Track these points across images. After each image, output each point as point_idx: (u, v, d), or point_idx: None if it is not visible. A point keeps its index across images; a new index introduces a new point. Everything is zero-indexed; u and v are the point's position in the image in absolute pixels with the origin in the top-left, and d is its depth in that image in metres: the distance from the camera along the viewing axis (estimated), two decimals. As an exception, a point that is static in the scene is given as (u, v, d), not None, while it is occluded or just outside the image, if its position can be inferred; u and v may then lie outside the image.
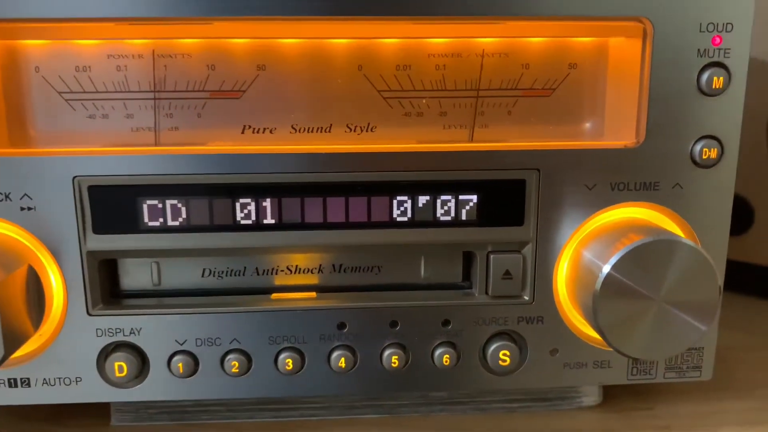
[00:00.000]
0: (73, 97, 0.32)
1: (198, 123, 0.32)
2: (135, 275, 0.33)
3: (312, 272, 0.33)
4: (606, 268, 0.29)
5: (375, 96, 0.33)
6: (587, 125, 0.33)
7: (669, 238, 0.29)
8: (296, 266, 0.33)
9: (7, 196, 0.30)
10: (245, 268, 0.33)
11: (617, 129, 0.33)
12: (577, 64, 0.33)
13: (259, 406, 0.35)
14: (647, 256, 0.29)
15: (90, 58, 0.32)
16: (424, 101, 0.33)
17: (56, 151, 0.30)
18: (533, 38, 0.32)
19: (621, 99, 0.32)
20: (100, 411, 0.35)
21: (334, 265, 0.33)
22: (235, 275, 0.33)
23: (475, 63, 0.33)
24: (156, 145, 0.32)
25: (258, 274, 0.33)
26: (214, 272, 0.33)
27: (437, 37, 0.32)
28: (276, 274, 0.33)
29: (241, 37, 0.32)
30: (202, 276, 0.33)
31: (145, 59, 0.32)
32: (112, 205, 0.30)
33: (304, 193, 0.31)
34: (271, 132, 0.32)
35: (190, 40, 0.31)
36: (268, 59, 0.32)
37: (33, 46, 0.31)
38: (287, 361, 0.32)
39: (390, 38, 0.32)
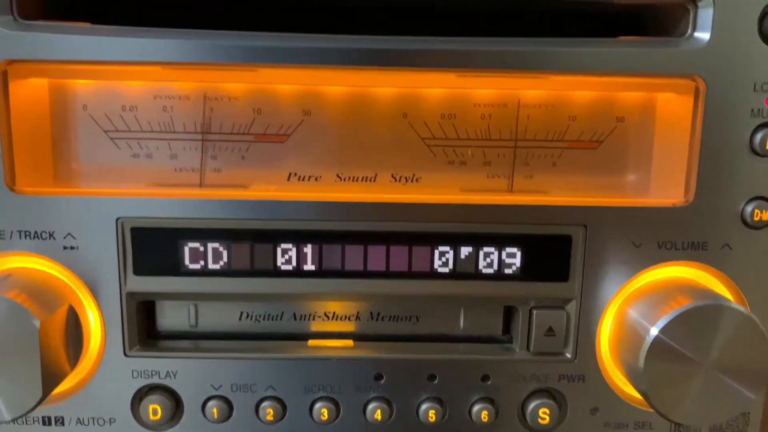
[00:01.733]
0: (118, 136, 0.32)
1: (242, 165, 0.32)
2: (172, 316, 0.32)
3: (349, 319, 0.33)
4: (654, 331, 0.28)
5: (419, 143, 0.32)
6: (633, 178, 0.33)
7: (719, 303, 0.28)
8: (333, 313, 0.33)
9: (51, 235, 0.30)
10: (283, 312, 0.33)
11: (664, 183, 0.32)
12: (625, 118, 0.33)
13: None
14: (696, 320, 0.28)
15: (137, 99, 0.32)
16: (468, 151, 0.32)
17: (101, 191, 0.30)
18: (580, 91, 0.32)
19: (669, 154, 0.32)
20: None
21: (371, 313, 0.33)
22: (272, 319, 0.33)
23: (521, 114, 0.32)
24: (200, 185, 0.32)
25: (295, 319, 0.33)
26: (252, 316, 0.33)
27: (482, 88, 0.32)
28: (313, 319, 0.33)
29: (287, 83, 0.31)
30: (240, 319, 0.33)
31: (192, 101, 0.32)
32: (153, 247, 0.30)
33: (345, 241, 0.31)
34: (316, 180, 0.32)
35: (237, 84, 0.31)
36: (313, 105, 0.32)
37: (81, 85, 0.31)
38: (322, 411, 0.31)
39: (435, 88, 0.32)
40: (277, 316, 0.33)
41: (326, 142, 0.32)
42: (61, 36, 0.29)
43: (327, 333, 0.33)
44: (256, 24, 0.32)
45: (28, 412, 0.27)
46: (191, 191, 0.31)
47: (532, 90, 0.32)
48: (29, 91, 0.30)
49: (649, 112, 0.32)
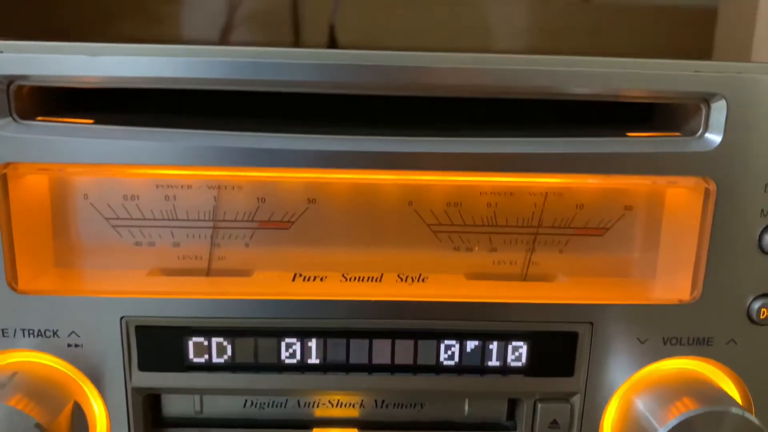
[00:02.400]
0: (120, 224, 0.32)
1: (245, 252, 0.32)
2: (177, 404, 0.32)
3: (354, 406, 0.33)
4: (661, 432, 0.28)
5: (424, 229, 0.32)
6: (640, 266, 0.33)
7: (726, 410, 0.28)
8: (338, 400, 0.33)
9: (54, 333, 0.30)
10: (287, 400, 0.33)
11: (671, 271, 0.32)
12: (633, 206, 0.32)
13: None
14: (704, 422, 0.28)
15: (138, 188, 0.31)
16: (474, 237, 0.32)
17: (104, 291, 0.30)
18: (588, 181, 0.32)
19: (676, 244, 0.31)
20: None
21: (376, 401, 0.33)
22: (276, 407, 0.33)
23: (528, 202, 0.32)
24: (201, 272, 0.32)
25: (299, 407, 0.33)
26: (256, 404, 0.33)
27: (488, 178, 0.31)
28: (317, 407, 0.33)
29: (292, 175, 0.31)
30: (244, 406, 0.33)
31: (194, 190, 0.31)
32: (158, 344, 0.30)
33: (349, 336, 0.30)
34: (321, 280, 0.32)
35: (242, 174, 0.31)
36: (318, 193, 0.32)
37: (81, 177, 0.31)
38: (330, 502, 0.32)
39: (441, 179, 0.31)
40: (281, 403, 0.33)
41: (331, 230, 0.32)
42: (61, 138, 0.28)
43: (331, 420, 0.33)
44: (261, 108, 0.31)
45: None
46: (195, 291, 0.31)
47: (540, 179, 0.31)
48: (29, 186, 0.30)
49: (657, 203, 0.32)
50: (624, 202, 0.32)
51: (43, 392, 0.29)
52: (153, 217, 0.32)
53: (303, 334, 0.30)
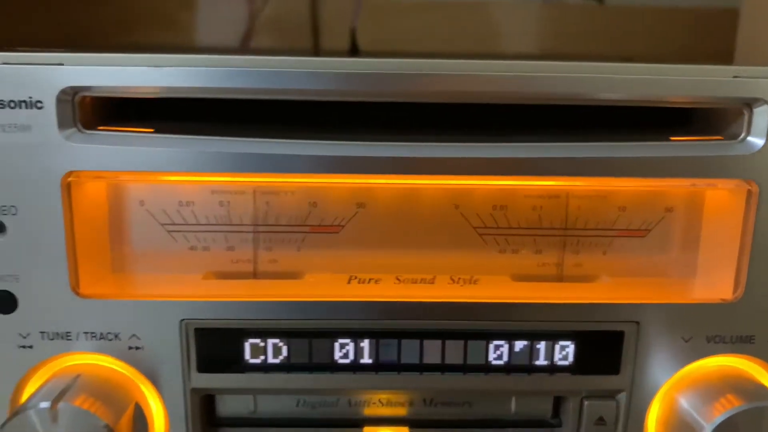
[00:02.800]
0: (175, 229, 0.33)
1: (296, 256, 0.33)
2: (231, 404, 0.33)
3: (403, 405, 0.34)
4: (709, 429, 0.29)
5: (471, 232, 0.33)
6: (680, 266, 0.33)
7: (765, 405, 0.29)
8: (388, 399, 0.34)
9: (116, 336, 0.31)
10: (338, 400, 0.34)
11: (711, 270, 0.33)
12: (673, 208, 0.33)
13: None
14: (748, 418, 0.29)
15: (194, 194, 0.32)
16: (519, 240, 0.33)
17: (164, 295, 0.31)
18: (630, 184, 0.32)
19: (716, 246, 0.32)
20: None
21: (425, 400, 0.34)
22: (328, 406, 0.34)
23: (572, 204, 0.33)
24: (254, 275, 0.33)
25: (350, 406, 0.34)
26: (308, 403, 0.34)
27: (533, 182, 0.32)
28: (368, 406, 0.34)
29: (341, 181, 0.32)
30: (296, 406, 0.34)
31: (248, 196, 0.32)
32: (216, 346, 0.31)
33: (401, 337, 0.31)
34: (376, 282, 0.32)
35: (293, 180, 0.32)
36: (367, 198, 0.32)
37: (138, 184, 0.32)
38: (380, 498, 0.32)
39: (486, 183, 0.32)
40: (332, 403, 0.34)
41: (380, 234, 0.33)
42: (123, 147, 0.29)
43: (382, 419, 0.34)
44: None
45: None
46: (251, 294, 0.32)
47: (582, 184, 0.32)
48: (89, 194, 0.31)
49: (697, 205, 0.33)
50: (665, 204, 0.33)
51: (106, 394, 0.30)
52: (207, 222, 0.33)
53: (356, 335, 0.31)
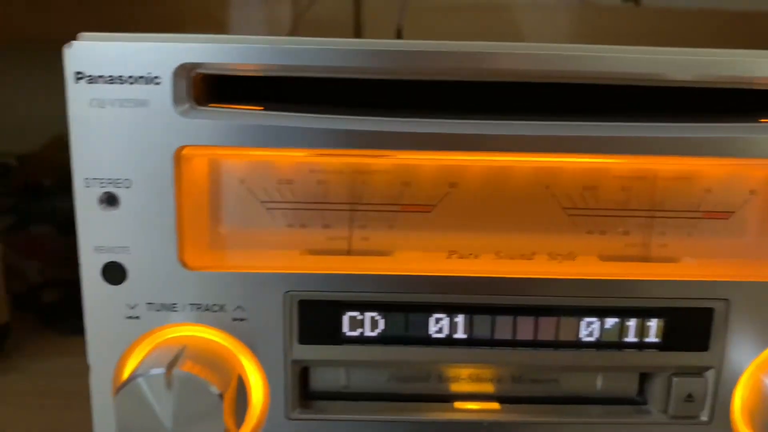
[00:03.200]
0: (274, 207, 0.34)
1: (389, 234, 0.34)
2: (325, 379, 0.34)
3: (492, 382, 0.34)
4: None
5: (560, 213, 0.34)
6: (765, 247, 0.34)
7: None
8: (477, 376, 0.34)
9: (221, 308, 0.31)
10: (429, 375, 0.34)
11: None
12: (756, 190, 0.34)
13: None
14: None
15: (293, 173, 0.33)
16: (607, 221, 0.34)
17: (269, 267, 0.32)
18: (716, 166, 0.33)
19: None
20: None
21: (513, 377, 0.34)
22: (418, 381, 0.34)
23: (659, 186, 0.34)
24: (348, 253, 0.34)
25: (440, 382, 0.34)
26: (399, 377, 0.34)
27: (621, 161, 0.33)
28: (458, 382, 0.34)
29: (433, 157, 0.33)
30: (387, 381, 0.34)
31: (344, 175, 0.33)
32: (317, 318, 0.32)
33: (495, 312, 0.32)
34: (475, 257, 0.33)
35: (385, 161, 0.33)
36: (459, 177, 0.33)
37: (239, 160, 0.33)
38: (472, 471, 0.33)
39: (577, 159, 0.33)
40: (423, 378, 0.34)
41: (471, 213, 0.34)
42: (233, 123, 0.30)
43: (471, 395, 0.34)
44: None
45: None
46: (353, 266, 0.32)
47: (669, 166, 0.33)
48: (196, 169, 0.32)
49: (782, 185, 0.33)
50: (748, 186, 0.34)
51: (213, 364, 0.31)
52: (305, 201, 0.33)
53: (451, 310, 0.32)
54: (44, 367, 0.52)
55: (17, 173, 0.70)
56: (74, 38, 0.29)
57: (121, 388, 0.29)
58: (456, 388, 0.34)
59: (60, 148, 0.80)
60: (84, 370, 0.53)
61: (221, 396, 0.29)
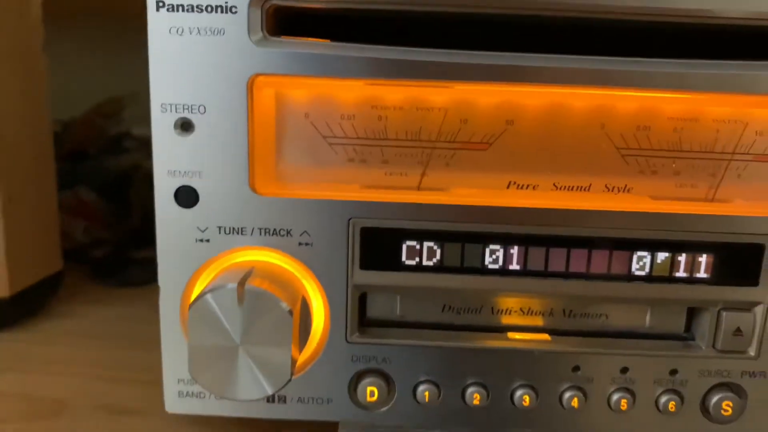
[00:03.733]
0: (336, 142, 0.35)
1: (445, 170, 0.35)
2: (382, 307, 0.35)
3: (543, 315, 0.35)
4: None
5: (614, 153, 0.35)
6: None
7: None
8: (529, 308, 0.35)
9: (288, 233, 0.33)
10: (482, 306, 0.35)
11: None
12: (807, 133, 0.35)
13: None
14: None
15: (354, 108, 0.34)
16: (659, 162, 0.35)
17: (335, 194, 0.33)
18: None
19: None
20: (323, 426, 0.38)
21: (564, 310, 0.35)
22: (471, 312, 0.36)
23: (711, 128, 0.34)
24: (407, 189, 0.35)
25: (492, 313, 0.36)
26: (453, 308, 0.36)
27: (675, 104, 0.34)
28: (509, 314, 0.36)
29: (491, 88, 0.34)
30: (442, 311, 0.36)
31: (405, 111, 0.34)
32: (378, 245, 0.33)
33: (549, 244, 0.33)
34: (533, 189, 0.34)
35: (443, 96, 0.34)
36: (515, 115, 0.34)
37: (304, 95, 0.34)
38: (524, 398, 0.34)
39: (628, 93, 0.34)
40: (476, 309, 0.35)
41: (527, 151, 0.35)
42: (304, 53, 0.32)
43: (522, 326, 0.35)
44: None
45: (279, 390, 0.31)
46: (413, 196, 0.34)
47: (721, 107, 0.34)
48: (265, 100, 0.33)
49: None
50: (799, 129, 0.34)
51: (281, 284, 0.32)
52: (366, 137, 0.35)
53: (506, 241, 0.33)
54: (93, 312, 0.54)
55: (61, 139, 0.72)
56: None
57: (194, 303, 0.31)
58: (507, 320, 0.36)
59: (101, 115, 0.82)
60: (130, 317, 0.54)
61: (291, 312, 0.30)
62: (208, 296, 0.30)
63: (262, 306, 0.30)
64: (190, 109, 0.32)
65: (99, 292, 0.58)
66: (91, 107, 0.77)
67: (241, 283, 0.30)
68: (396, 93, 0.34)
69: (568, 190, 0.34)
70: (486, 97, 0.34)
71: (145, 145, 0.76)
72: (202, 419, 0.38)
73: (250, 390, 0.30)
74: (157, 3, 0.31)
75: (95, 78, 0.84)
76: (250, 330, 0.30)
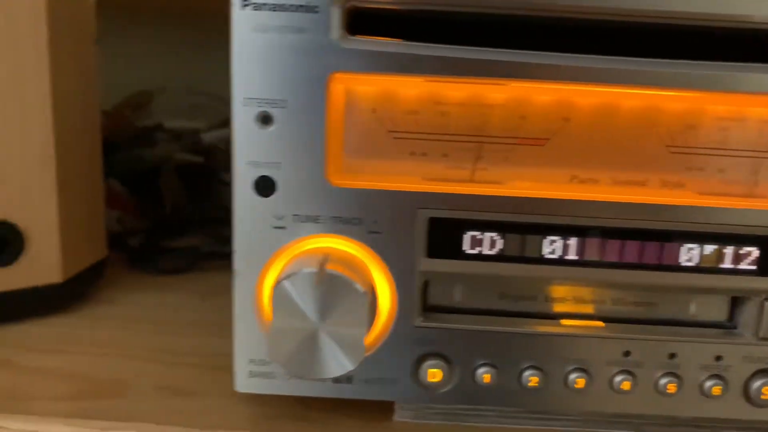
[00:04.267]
0: (400, 136, 0.37)
1: (504, 165, 0.37)
2: (442, 293, 0.37)
3: (594, 303, 0.37)
4: None
5: (662, 150, 0.37)
6: None
7: None
8: (582, 298, 0.37)
9: (360, 221, 0.35)
10: (537, 295, 0.37)
11: None
12: None
13: (527, 415, 0.40)
14: None
15: (418, 104, 0.36)
16: (705, 159, 0.37)
17: (405, 186, 0.35)
18: (813, 110, 0.36)
19: None
20: (381, 406, 0.40)
21: (613, 299, 0.37)
22: (527, 300, 0.37)
23: (754, 128, 0.37)
24: (466, 182, 0.37)
25: (547, 301, 0.38)
26: (510, 296, 0.37)
27: (721, 104, 0.36)
28: (563, 302, 0.38)
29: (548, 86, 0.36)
30: (498, 299, 0.38)
31: (466, 107, 0.36)
32: (443, 235, 0.35)
33: (605, 236, 0.35)
34: (594, 183, 0.36)
35: (504, 94, 0.36)
36: (571, 113, 0.36)
37: (371, 91, 0.36)
38: (577, 381, 0.36)
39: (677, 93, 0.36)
40: (532, 297, 0.37)
41: (582, 148, 0.37)
42: (380, 51, 0.33)
43: (575, 314, 0.37)
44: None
45: (354, 368, 0.33)
46: (474, 188, 0.36)
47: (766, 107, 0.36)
48: (337, 97, 0.35)
49: None
50: None
51: (354, 269, 0.34)
52: (428, 131, 0.37)
53: (565, 232, 0.35)
54: (135, 299, 0.55)
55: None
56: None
57: (276, 288, 0.32)
58: (561, 308, 0.38)
59: (131, 107, 0.84)
60: (171, 303, 0.56)
61: (366, 294, 0.32)
62: (289, 281, 0.32)
63: (340, 288, 0.32)
64: (270, 103, 0.33)
65: (137, 280, 0.60)
66: (121, 100, 0.79)
67: (321, 266, 0.32)
68: (457, 90, 0.36)
69: (626, 185, 0.36)
70: (543, 94, 0.36)
71: (175, 137, 0.77)
72: (260, 398, 0.39)
73: (330, 368, 0.32)
74: (243, 2, 0.32)
75: (128, 74, 0.85)
76: (328, 311, 0.32)
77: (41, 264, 0.48)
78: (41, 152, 0.47)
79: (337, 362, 0.32)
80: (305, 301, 0.32)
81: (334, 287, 0.32)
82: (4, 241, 0.47)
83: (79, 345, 0.47)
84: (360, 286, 0.32)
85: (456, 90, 0.36)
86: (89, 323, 0.51)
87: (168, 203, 0.71)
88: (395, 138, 0.37)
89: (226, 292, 0.57)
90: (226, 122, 0.85)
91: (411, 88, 0.36)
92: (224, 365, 0.41)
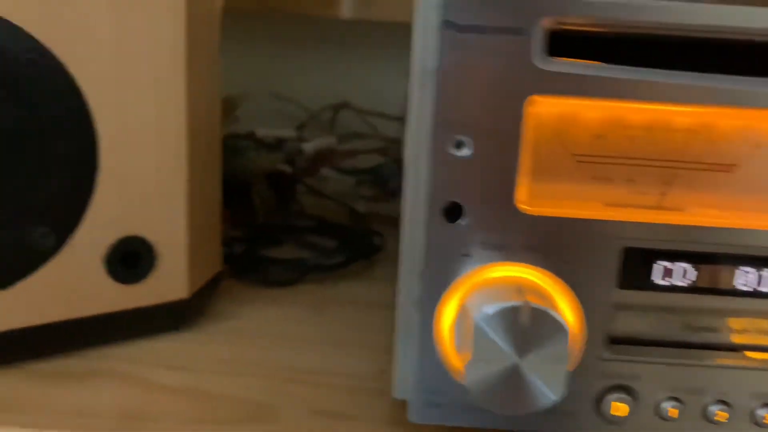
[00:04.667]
0: (585, 160, 0.35)
1: (688, 191, 0.36)
2: (630, 324, 0.36)
3: (778, 336, 0.36)
4: None
5: None
6: None
7: None
8: (763, 328, 0.36)
9: (549, 249, 0.34)
10: (720, 326, 0.36)
11: None
12: None
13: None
14: None
15: (603, 128, 0.35)
16: None
17: (599, 215, 0.34)
18: None
19: None
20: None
21: (803, 333, 0.36)
22: (710, 331, 0.36)
23: None
24: (653, 209, 0.36)
25: (729, 332, 0.36)
26: (691, 327, 0.36)
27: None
28: (746, 333, 0.36)
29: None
30: (681, 329, 0.36)
31: (654, 131, 0.35)
32: (636, 265, 0.34)
33: (802, 267, 0.34)
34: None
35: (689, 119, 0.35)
36: (764, 139, 0.35)
37: (558, 114, 0.35)
38: (765, 416, 0.35)
39: None
40: (714, 328, 0.36)
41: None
42: (579, 75, 0.32)
43: (760, 346, 0.36)
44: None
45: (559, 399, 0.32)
46: (663, 216, 0.34)
47: None
48: (530, 121, 0.34)
49: None
50: None
51: (547, 300, 0.33)
52: (613, 155, 0.35)
53: (761, 263, 0.34)
54: (249, 312, 0.54)
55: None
56: None
57: (476, 322, 0.31)
58: (743, 339, 0.36)
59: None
60: (287, 317, 0.55)
61: (567, 332, 0.31)
62: (490, 313, 0.31)
63: (542, 323, 0.31)
64: (466, 127, 0.32)
65: (244, 292, 0.59)
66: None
67: (524, 300, 0.31)
68: (642, 113, 0.35)
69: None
70: (731, 120, 0.35)
71: (264, 146, 0.76)
72: (414, 427, 0.38)
73: (532, 402, 0.31)
74: (446, 22, 0.31)
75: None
76: (529, 346, 0.31)
77: (170, 279, 0.47)
78: (175, 163, 0.46)
79: (541, 395, 0.31)
80: (506, 336, 0.31)
81: (536, 321, 0.31)
82: (137, 257, 0.46)
83: (206, 363, 0.46)
84: (561, 319, 0.31)
85: (641, 114, 0.35)
86: (207, 339, 0.50)
87: (261, 213, 0.70)
88: (578, 161, 0.36)
89: (337, 305, 0.56)
90: (301, 128, 0.84)
91: (595, 111, 0.35)
92: (368, 387, 0.40)
